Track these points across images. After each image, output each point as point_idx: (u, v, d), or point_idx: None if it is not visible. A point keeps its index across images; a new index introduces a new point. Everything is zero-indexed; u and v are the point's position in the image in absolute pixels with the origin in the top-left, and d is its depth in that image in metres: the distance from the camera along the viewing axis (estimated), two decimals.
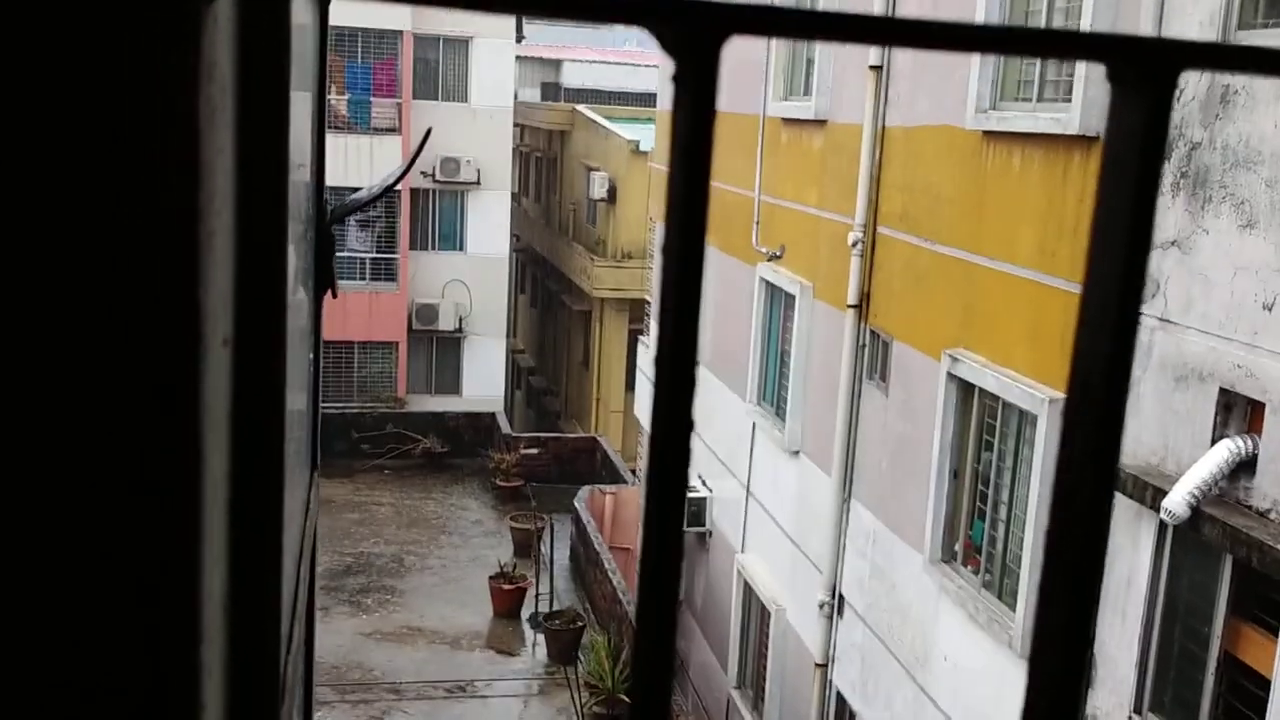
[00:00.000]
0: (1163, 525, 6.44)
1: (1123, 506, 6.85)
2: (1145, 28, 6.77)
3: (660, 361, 0.52)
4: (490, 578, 17.72)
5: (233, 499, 0.62)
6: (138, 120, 0.42)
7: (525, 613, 17.53)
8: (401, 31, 25.15)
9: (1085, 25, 7.27)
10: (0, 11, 0.44)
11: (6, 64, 0.44)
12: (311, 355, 1.58)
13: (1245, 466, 6.00)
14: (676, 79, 0.47)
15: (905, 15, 9.69)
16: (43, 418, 0.45)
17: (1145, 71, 0.49)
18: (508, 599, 17.50)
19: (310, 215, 1.48)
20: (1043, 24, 8.05)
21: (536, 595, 17.43)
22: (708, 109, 0.47)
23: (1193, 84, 6.46)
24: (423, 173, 25.80)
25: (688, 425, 0.50)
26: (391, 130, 25.29)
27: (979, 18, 8.49)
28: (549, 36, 41.82)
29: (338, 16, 26.42)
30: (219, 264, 0.52)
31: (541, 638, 16.67)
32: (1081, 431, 0.51)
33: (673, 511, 0.49)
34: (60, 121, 0.41)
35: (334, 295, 1.63)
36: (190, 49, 0.42)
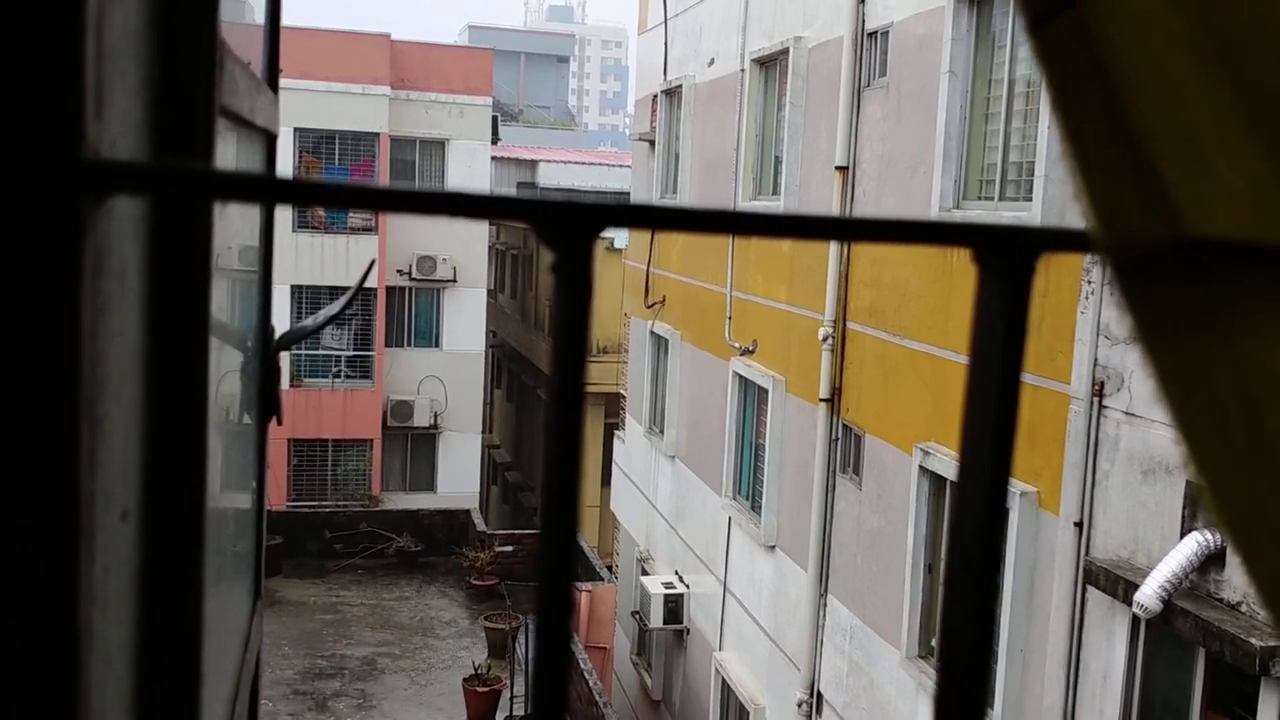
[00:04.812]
0: (1136, 620, 6.42)
1: (1096, 600, 6.83)
2: None
3: (545, 517, 0.54)
4: (464, 680, 17.40)
5: (141, 671, 0.62)
6: (5, 327, 0.43)
7: (500, 716, 17.18)
8: (378, 134, 25.50)
9: (1043, 129, 7.47)
10: None
11: None
12: (255, 484, 1.59)
13: (1215, 559, 6.01)
14: (554, 269, 0.50)
15: (868, 136, 9.92)
16: None
17: (1006, 256, 0.52)
18: (482, 702, 17.16)
19: (255, 346, 1.50)
20: (1001, 131, 8.26)
21: (511, 697, 17.11)
22: (584, 295, 0.50)
23: None
24: (399, 271, 25.96)
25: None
26: (367, 230, 25.49)
27: (939, 126, 8.70)
28: (525, 138, 42.49)
29: (315, 119, 26.56)
30: (113, 444, 0.53)
31: None
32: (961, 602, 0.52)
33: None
34: None
35: (279, 423, 1.64)
36: (70, 252, 0.43)
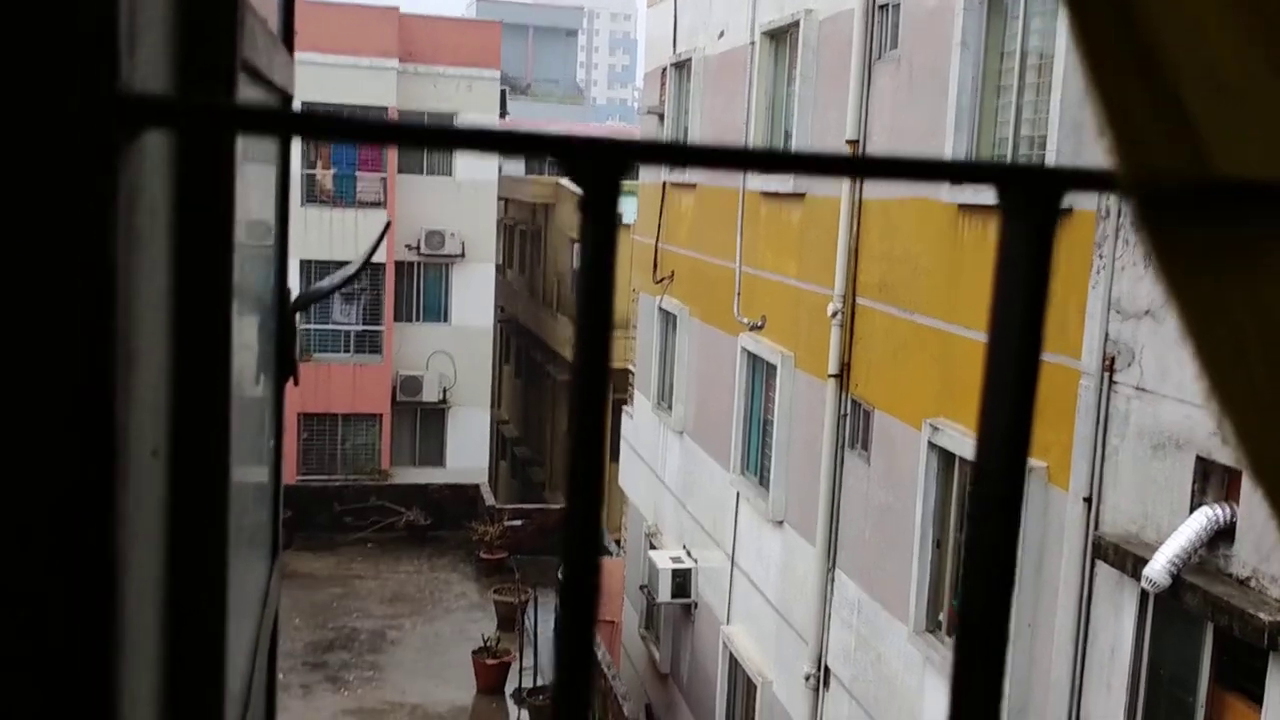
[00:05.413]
0: (1144, 594, 6.43)
1: (1104, 575, 6.84)
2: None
3: (571, 470, 0.54)
4: (474, 652, 17.51)
5: (169, 608, 0.63)
6: (45, 256, 0.44)
7: (509, 688, 17.30)
8: (387, 108, 25.45)
9: (1055, 101, 7.42)
10: None
11: None
12: (273, 442, 1.60)
13: (1224, 534, 6.01)
14: (582, 206, 0.50)
15: (880, 104, 9.87)
16: None
17: (1030, 197, 0.52)
18: (491, 674, 17.28)
19: (272, 304, 1.51)
20: (1013, 104, 8.21)
21: (520, 670, 17.22)
22: (610, 231, 0.50)
23: None
24: (407, 245, 25.97)
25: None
26: (376, 204, 25.48)
27: (951, 99, 8.66)
28: (533, 112, 42.35)
29: (323, 93, 26.55)
30: (145, 380, 0.54)
31: (525, 713, 16.42)
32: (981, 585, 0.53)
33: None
34: None
35: (295, 383, 1.65)
36: (106, 183, 0.44)
